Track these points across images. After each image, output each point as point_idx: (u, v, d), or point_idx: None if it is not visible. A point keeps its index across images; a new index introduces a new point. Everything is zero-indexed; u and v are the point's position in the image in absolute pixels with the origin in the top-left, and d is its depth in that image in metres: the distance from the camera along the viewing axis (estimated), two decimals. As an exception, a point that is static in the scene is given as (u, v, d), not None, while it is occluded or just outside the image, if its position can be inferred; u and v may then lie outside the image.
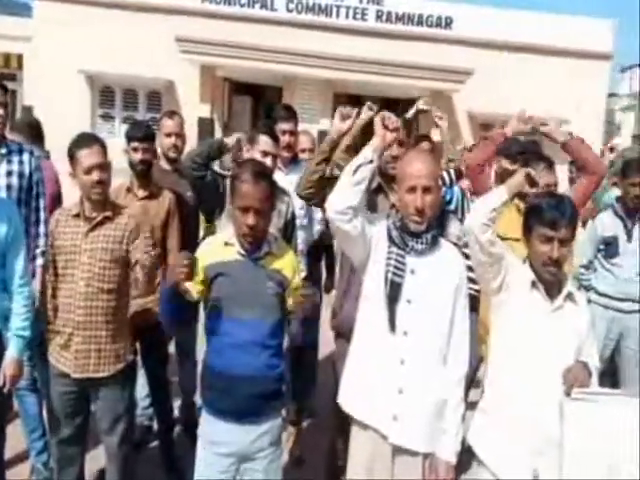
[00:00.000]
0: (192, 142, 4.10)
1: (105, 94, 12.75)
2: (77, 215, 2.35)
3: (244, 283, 1.98)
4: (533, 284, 1.95)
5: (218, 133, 12.49)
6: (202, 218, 3.25)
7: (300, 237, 3.05)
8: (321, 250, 3.60)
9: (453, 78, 11.47)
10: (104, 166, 2.30)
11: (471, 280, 2.15)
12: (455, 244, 2.26)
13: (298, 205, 2.95)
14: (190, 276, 1.89)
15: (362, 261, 2.02)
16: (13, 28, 12.92)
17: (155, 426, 3.23)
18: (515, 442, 1.91)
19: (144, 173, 2.93)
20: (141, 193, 2.93)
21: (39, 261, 2.69)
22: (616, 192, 3.85)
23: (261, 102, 13.29)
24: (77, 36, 11.54)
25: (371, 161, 1.92)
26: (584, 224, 3.78)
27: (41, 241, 2.75)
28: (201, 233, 3.30)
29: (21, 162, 2.78)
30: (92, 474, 2.80)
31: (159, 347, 3.02)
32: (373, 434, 1.96)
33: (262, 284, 1.99)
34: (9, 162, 2.74)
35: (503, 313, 2.00)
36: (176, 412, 3.34)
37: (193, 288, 1.98)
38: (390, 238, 1.97)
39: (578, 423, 1.74)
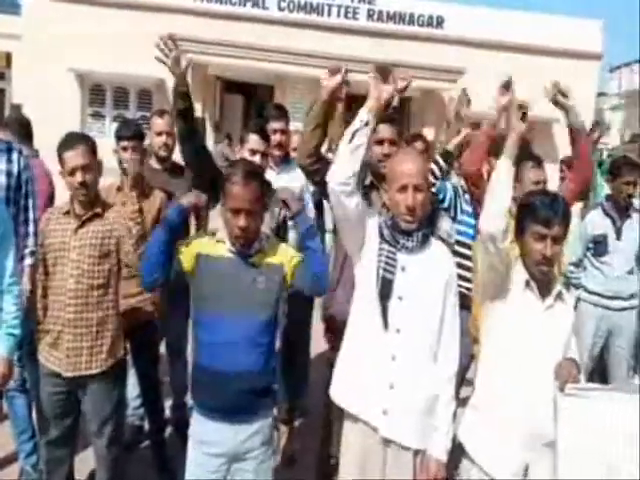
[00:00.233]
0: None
1: (95, 92, 12.66)
2: (67, 212, 2.36)
3: (233, 280, 1.97)
4: (527, 283, 1.96)
5: (209, 132, 12.46)
6: (192, 218, 3.23)
7: (292, 238, 3.05)
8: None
9: (445, 77, 11.51)
10: (88, 168, 2.28)
11: (462, 278, 2.16)
12: (444, 241, 2.27)
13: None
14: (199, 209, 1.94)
15: (357, 249, 2.02)
16: (1, 26, 12.81)
17: (146, 426, 3.22)
18: (506, 440, 1.92)
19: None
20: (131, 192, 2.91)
21: (28, 261, 2.67)
22: (606, 190, 3.88)
23: (253, 101, 13.27)
24: (67, 34, 11.45)
25: (367, 123, 1.90)
26: None
27: (30, 241, 2.73)
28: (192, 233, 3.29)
29: (10, 161, 2.75)
30: (82, 476, 2.79)
31: (150, 347, 3.01)
32: (364, 428, 1.98)
33: (252, 280, 1.99)
34: (-3, 160, 2.72)
35: (496, 312, 2.00)
36: (167, 412, 3.33)
37: (184, 258, 2.01)
38: (381, 235, 1.98)
39: (572, 419, 1.74)
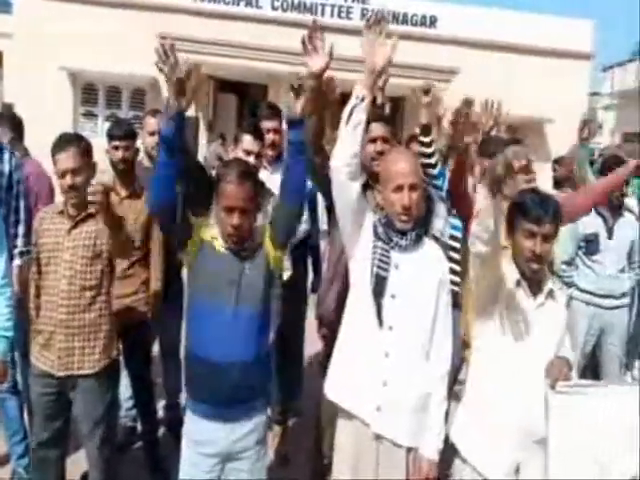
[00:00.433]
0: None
1: (88, 92, 12.58)
2: (61, 212, 2.34)
3: (225, 274, 1.98)
4: (517, 283, 1.98)
5: (203, 131, 12.43)
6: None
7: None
8: (306, 250, 3.59)
9: (438, 77, 11.52)
10: (77, 171, 2.25)
11: (452, 272, 2.17)
12: (437, 240, 2.28)
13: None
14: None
15: (353, 239, 2.02)
16: (-7, 24, 12.70)
17: (139, 427, 3.21)
18: (498, 439, 1.93)
19: (126, 172, 2.90)
20: (123, 192, 2.90)
21: (17, 262, 2.66)
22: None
23: (246, 100, 13.24)
24: (59, 33, 11.36)
25: (363, 99, 1.89)
26: None
27: (20, 241, 2.71)
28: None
29: (0, 161, 2.74)
30: (75, 477, 2.77)
31: (143, 347, 3.00)
32: (357, 425, 1.98)
33: (241, 271, 1.99)
34: (-12, 161, 2.70)
35: (487, 311, 2.01)
36: (160, 413, 3.32)
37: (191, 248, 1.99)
38: (375, 233, 1.99)
39: (563, 416, 1.75)
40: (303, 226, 3.47)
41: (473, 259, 1.94)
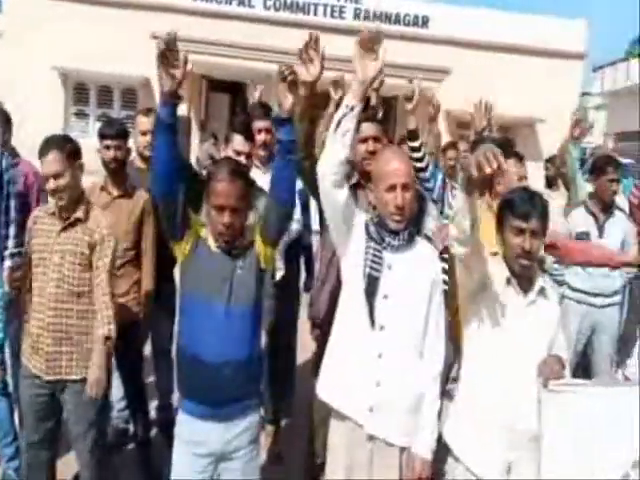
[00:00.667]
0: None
1: (79, 91, 12.50)
2: (53, 214, 2.32)
3: (216, 272, 1.97)
4: (508, 281, 1.98)
5: (195, 131, 12.38)
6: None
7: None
8: (299, 250, 3.59)
9: (430, 77, 11.53)
10: (59, 175, 2.23)
11: (444, 271, 2.17)
12: (430, 240, 2.28)
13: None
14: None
15: (343, 243, 2.02)
16: (-18, 23, 12.59)
17: (131, 428, 3.19)
18: (490, 438, 1.93)
19: (117, 171, 2.89)
20: (115, 192, 2.88)
21: (7, 263, 2.64)
22: (588, 188, 3.92)
23: (238, 99, 13.20)
24: (50, 32, 11.29)
25: (352, 108, 1.89)
26: None
27: (10, 243, 2.70)
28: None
29: (-10, 161, 2.72)
30: (66, 478, 2.75)
31: (134, 347, 2.98)
32: (350, 426, 1.98)
33: (234, 271, 1.98)
34: (-23, 161, 2.68)
35: (478, 310, 2.02)
36: (152, 413, 3.30)
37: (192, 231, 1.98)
38: (368, 234, 1.99)
39: (555, 415, 1.76)
40: (295, 226, 3.46)
41: (457, 261, 1.96)
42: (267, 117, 3.19)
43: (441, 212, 3.23)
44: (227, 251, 1.99)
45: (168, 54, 1.79)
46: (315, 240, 3.49)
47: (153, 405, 3.30)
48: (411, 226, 2.03)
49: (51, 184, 2.23)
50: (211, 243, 2.01)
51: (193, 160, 11.51)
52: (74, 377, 2.29)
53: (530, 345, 1.94)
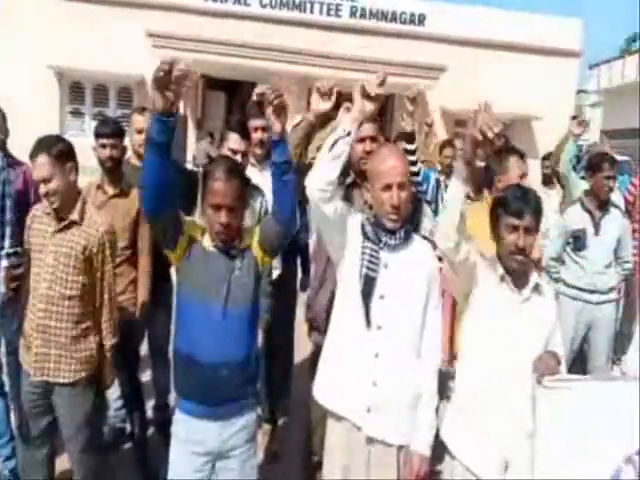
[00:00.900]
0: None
1: (75, 90, 12.47)
2: (49, 214, 2.31)
3: (214, 272, 1.96)
4: (502, 278, 1.99)
5: (191, 129, 12.36)
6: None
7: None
8: (295, 249, 3.59)
9: (426, 75, 11.55)
10: (49, 179, 2.20)
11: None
12: (426, 238, 2.28)
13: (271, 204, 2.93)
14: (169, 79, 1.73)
15: (339, 250, 2.02)
16: (-23, 22, 12.53)
17: (128, 427, 3.18)
18: (486, 435, 1.94)
19: (113, 170, 2.88)
20: (111, 190, 2.88)
21: (4, 263, 2.63)
22: (584, 186, 3.94)
23: (235, 98, 13.18)
24: (46, 31, 11.26)
25: (349, 134, 1.90)
26: None
27: (6, 243, 2.68)
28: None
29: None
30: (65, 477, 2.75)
31: (131, 346, 2.97)
32: (348, 426, 1.98)
33: (230, 271, 1.98)
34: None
35: (473, 308, 2.02)
36: (149, 413, 3.30)
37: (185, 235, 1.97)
38: (364, 233, 1.98)
39: (550, 411, 1.76)
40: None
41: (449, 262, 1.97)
42: (263, 115, 3.19)
43: (435, 211, 3.24)
44: (225, 252, 1.99)
45: (165, 79, 1.74)
46: (311, 239, 3.49)
47: (150, 404, 3.30)
48: (407, 224, 2.03)
49: (42, 188, 2.22)
50: (206, 244, 2.00)
51: (189, 158, 11.51)
52: (61, 380, 2.28)
53: (525, 342, 1.94)
